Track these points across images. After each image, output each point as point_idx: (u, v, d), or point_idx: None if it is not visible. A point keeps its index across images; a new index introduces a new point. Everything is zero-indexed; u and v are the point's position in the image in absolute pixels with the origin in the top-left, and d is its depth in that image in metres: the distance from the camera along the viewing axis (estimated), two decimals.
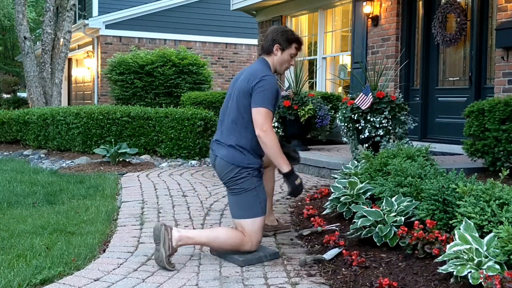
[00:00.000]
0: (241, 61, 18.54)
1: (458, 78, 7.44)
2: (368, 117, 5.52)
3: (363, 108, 5.46)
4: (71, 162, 7.74)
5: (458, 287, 2.61)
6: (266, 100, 3.27)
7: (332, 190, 4.13)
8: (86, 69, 18.26)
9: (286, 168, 3.31)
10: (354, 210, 3.66)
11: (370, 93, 5.43)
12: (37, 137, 9.29)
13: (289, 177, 3.34)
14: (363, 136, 5.58)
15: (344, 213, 3.93)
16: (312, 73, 10.77)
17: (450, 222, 3.09)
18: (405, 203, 3.42)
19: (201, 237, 3.30)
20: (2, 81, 22.67)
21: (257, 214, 3.28)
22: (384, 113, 5.49)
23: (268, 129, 3.24)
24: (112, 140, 7.87)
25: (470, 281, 2.50)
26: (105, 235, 3.85)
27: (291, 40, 3.47)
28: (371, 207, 3.53)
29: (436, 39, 7.52)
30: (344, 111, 5.77)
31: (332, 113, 7.77)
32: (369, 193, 3.87)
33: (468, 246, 2.63)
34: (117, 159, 7.26)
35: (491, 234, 2.70)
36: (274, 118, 7.07)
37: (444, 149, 6.86)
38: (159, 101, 13.01)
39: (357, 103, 5.51)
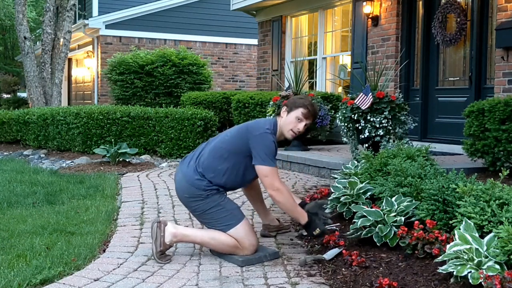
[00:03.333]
0: (241, 61, 18.54)
1: (458, 78, 7.44)
2: (368, 117, 5.52)
3: (363, 108, 5.46)
4: (71, 162, 7.74)
5: (458, 287, 2.61)
6: (269, 156, 3.28)
7: (332, 190, 4.13)
8: (86, 69, 18.26)
9: (302, 221, 3.41)
10: (354, 210, 3.66)
11: (370, 93, 5.43)
12: (37, 137, 9.29)
13: (307, 228, 3.44)
14: (363, 136, 5.58)
15: (344, 213, 3.92)
16: (312, 73, 10.77)
17: (450, 222, 3.09)
18: (405, 203, 3.42)
19: (197, 236, 3.34)
20: (2, 81, 22.65)
21: (232, 224, 3.28)
22: (384, 113, 5.48)
23: (279, 187, 3.28)
24: (112, 140, 7.87)
25: (470, 281, 2.49)
26: (105, 235, 3.85)
27: (298, 104, 3.48)
28: (371, 207, 3.52)
29: (436, 39, 7.52)
30: (344, 111, 5.77)
31: (332, 113, 7.77)
32: (369, 193, 3.87)
33: (468, 246, 2.63)
34: (117, 159, 7.26)
35: (491, 234, 2.70)
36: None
37: (444, 149, 6.86)
38: (159, 101, 13.01)
39: (357, 103, 5.51)
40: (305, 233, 3.75)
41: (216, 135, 3.75)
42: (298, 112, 3.46)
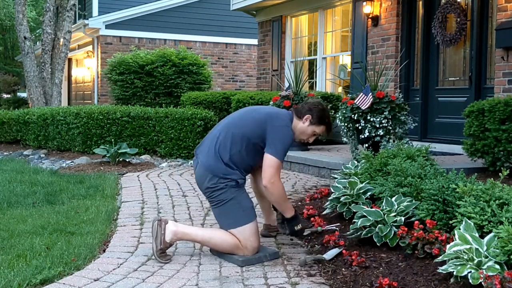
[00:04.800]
0: (241, 61, 18.53)
1: (458, 78, 7.44)
2: (368, 117, 5.52)
3: (363, 108, 5.46)
4: (71, 162, 7.74)
5: (458, 287, 2.61)
6: (282, 150, 3.32)
7: (332, 190, 4.13)
8: (86, 69, 18.26)
9: (289, 214, 3.48)
10: (354, 210, 3.66)
11: (370, 93, 5.43)
12: (37, 137, 9.29)
13: (290, 222, 3.51)
14: (363, 136, 5.58)
15: (344, 213, 3.92)
16: (312, 73, 10.77)
17: (450, 222, 3.09)
18: (405, 203, 3.42)
19: (197, 235, 3.35)
20: (2, 81, 22.66)
21: (242, 222, 3.28)
22: (384, 113, 5.48)
23: (275, 181, 3.30)
24: (112, 140, 7.87)
25: (470, 281, 2.50)
26: (105, 235, 3.85)
27: (323, 121, 3.52)
28: (371, 207, 3.53)
29: (436, 39, 7.52)
30: (344, 111, 5.77)
31: (332, 113, 7.76)
32: (369, 193, 3.87)
33: (468, 246, 2.63)
34: (117, 159, 7.26)
35: (491, 234, 2.70)
36: None
37: (444, 149, 6.86)
38: (159, 101, 13.01)
39: (357, 103, 5.51)
40: (305, 233, 3.73)
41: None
42: (321, 128, 3.53)
